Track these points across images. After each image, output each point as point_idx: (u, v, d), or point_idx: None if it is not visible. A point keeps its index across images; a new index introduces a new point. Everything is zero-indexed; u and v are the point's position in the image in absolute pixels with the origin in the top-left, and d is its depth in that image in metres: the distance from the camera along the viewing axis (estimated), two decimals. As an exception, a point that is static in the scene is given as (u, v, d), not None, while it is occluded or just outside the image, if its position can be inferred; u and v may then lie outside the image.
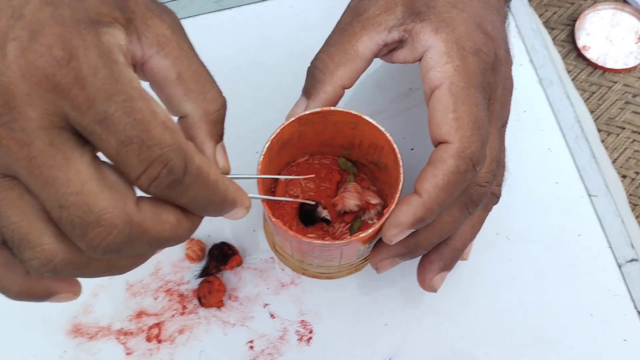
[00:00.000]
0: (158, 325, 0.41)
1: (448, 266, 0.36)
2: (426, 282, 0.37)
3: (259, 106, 0.48)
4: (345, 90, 0.36)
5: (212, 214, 0.27)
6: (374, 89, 0.49)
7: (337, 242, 0.32)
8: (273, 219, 0.32)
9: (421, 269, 0.37)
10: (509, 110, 0.36)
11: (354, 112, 0.34)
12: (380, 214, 0.40)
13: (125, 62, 0.24)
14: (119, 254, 0.24)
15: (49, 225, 0.24)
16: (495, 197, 0.37)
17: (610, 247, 0.44)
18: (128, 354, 0.41)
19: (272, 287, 0.42)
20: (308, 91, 0.35)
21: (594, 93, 1.04)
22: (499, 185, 0.36)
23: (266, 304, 0.42)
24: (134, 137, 0.22)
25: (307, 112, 0.34)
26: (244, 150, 0.46)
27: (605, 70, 1.08)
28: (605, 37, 1.11)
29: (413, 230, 0.32)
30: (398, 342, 0.41)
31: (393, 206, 0.32)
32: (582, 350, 0.41)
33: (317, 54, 0.36)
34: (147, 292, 0.42)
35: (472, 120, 0.31)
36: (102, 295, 0.42)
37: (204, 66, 0.30)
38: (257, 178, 0.33)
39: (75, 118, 0.23)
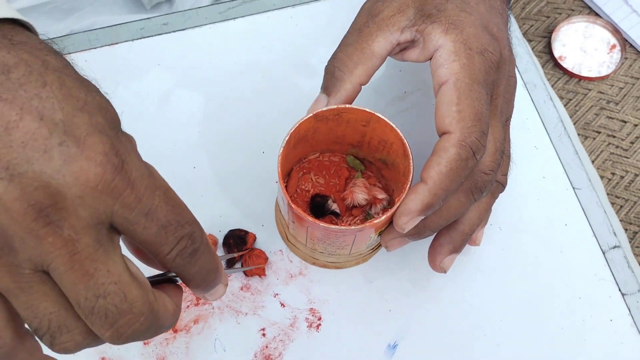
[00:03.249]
0: (174, 316, 0.43)
1: (457, 249, 0.39)
2: (437, 263, 0.39)
3: (262, 109, 0.50)
4: None
5: (206, 285, 0.30)
6: (371, 93, 0.52)
7: (352, 227, 0.35)
8: (293, 206, 0.34)
9: (432, 252, 0.40)
10: (513, 105, 0.39)
11: (367, 109, 0.37)
12: (385, 209, 0.43)
13: None
14: (134, 340, 0.26)
15: (73, 312, 0.26)
16: (501, 186, 0.40)
17: (595, 235, 0.48)
18: (145, 343, 0.42)
19: (281, 278, 0.45)
20: (328, 88, 0.38)
21: (570, 100, 1.10)
22: (504, 174, 0.39)
23: (276, 294, 0.44)
24: (172, 220, 0.26)
25: (324, 109, 0.36)
26: (250, 150, 0.49)
27: (580, 78, 1.13)
28: (580, 47, 1.16)
29: (423, 217, 0.35)
30: (402, 327, 0.44)
31: (404, 195, 0.35)
32: (572, 330, 0.44)
33: (335, 53, 0.38)
34: (162, 285, 0.44)
35: (473, 113, 0.34)
36: (119, 289, 0.44)
37: None
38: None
39: (123, 214, 0.25)
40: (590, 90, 1.12)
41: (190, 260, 0.28)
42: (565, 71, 1.14)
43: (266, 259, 0.44)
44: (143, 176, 0.26)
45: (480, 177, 0.36)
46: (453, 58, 0.35)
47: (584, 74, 1.14)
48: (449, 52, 0.35)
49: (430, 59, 0.36)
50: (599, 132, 1.07)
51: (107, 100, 0.27)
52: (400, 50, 0.39)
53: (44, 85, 0.25)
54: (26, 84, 0.24)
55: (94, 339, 0.27)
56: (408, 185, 0.36)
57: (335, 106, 0.37)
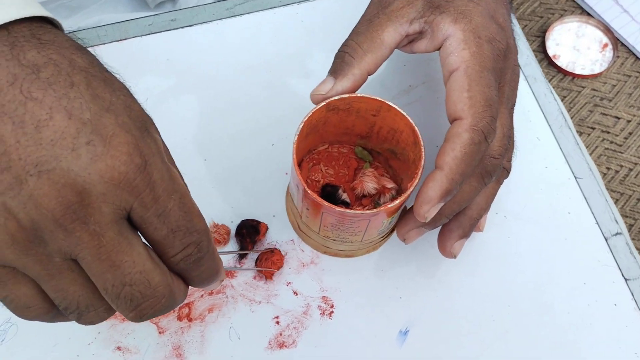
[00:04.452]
0: (188, 305, 0.44)
1: (466, 234, 0.40)
2: (447, 249, 0.40)
3: (271, 103, 0.51)
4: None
5: (205, 284, 0.31)
6: (377, 86, 0.53)
7: (367, 211, 0.35)
8: (309, 191, 0.35)
9: (442, 237, 0.41)
10: (516, 94, 0.41)
11: (378, 98, 0.38)
12: (394, 198, 0.44)
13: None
14: (153, 317, 0.28)
15: (99, 294, 0.28)
16: (506, 172, 0.41)
17: (597, 223, 0.49)
18: (161, 332, 0.43)
19: (293, 267, 0.45)
20: (336, 71, 0.38)
21: (565, 97, 1.12)
22: (509, 160, 0.41)
23: (289, 283, 0.45)
24: (182, 226, 0.27)
25: (335, 98, 0.37)
26: (259, 143, 0.49)
27: (574, 76, 1.16)
28: (573, 46, 1.18)
29: (442, 203, 0.36)
30: (413, 314, 0.45)
31: (417, 181, 0.36)
32: (578, 315, 0.46)
33: (346, 41, 0.39)
34: (176, 276, 0.45)
35: (484, 99, 0.35)
36: (133, 280, 0.44)
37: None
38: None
39: (139, 212, 0.26)
40: (584, 87, 1.14)
41: (193, 266, 0.29)
42: (559, 69, 1.17)
43: (280, 267, 0.45)
44: (163, 179, 0.27)
45: (490, 162, 0.37)
46: (463, 46, 0.36)
47: (578, 71, 1.16)
48: (459, 41, 0.36)
49: (439, 48, 0.38)
50: (594, 128, 1.09)
51: (133, 98, 0.28)
52: (408, 42, 0.40)
53: (72, 86, 0.26)
54: (55, 83, 0.25)
55: (108, 316, 0.29)
56: (420, 172, 0.37)
57: (347, 95, 0.38)
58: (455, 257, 0.41)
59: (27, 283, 0.27)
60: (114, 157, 0.25)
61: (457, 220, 0.40)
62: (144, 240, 0.28)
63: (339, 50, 0.39)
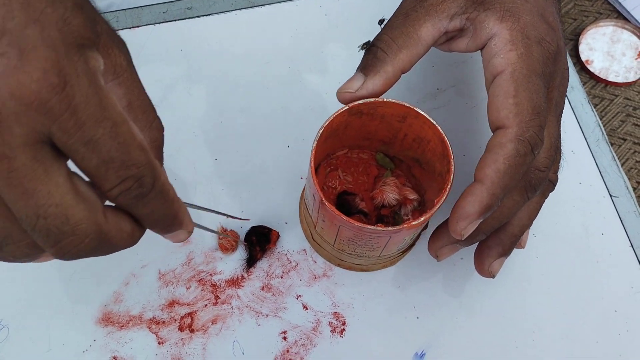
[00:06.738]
0: (190, 314, 0.41)
1: (506, 252, 0.37)
2: (485, 267, 0.37)
3: (288, 101, 0.48)
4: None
5: (160, 229, 0.28)
6: (403, 89, 0.50)
7: (388, 228, 0.32)
8: (327, 204, 0.32)
9: (479, 255, 0.37)
10: (565, 100, 0.37)
11: (405, 104, 0.35)
12: (416, 210, 0.41)
13: (105, 86, 0.25)
14: (83, 257, 0.26)
15: (21, 226, 0.25)
16: (552, 185, 0.37)
17: (632, 246, 0.46)
18: (160, 343, 0.40)
19: (304, 279, 0.43)
20: (367, 68, 0.35)
21: (596, 105, 1.07)
22: (556, 172, 0.37)
23: (299, 295, 0.42)
24: (116, 158, 0.24)
25: (359, 102, 0.34)
26: (273, 143, 0.47)
27: (607, 83, 1.11)
28: (607, 52, 1.14)
29: (481, 220, 0.32)
30: (431, 336, 0.42)
31: (444, 197, 0.33)
32: (607, 345, 0.42)
33: (379, 35, 0.36)
34: (179, 282, 0.42)
35: (531, 106, 0.32)
36: (133, 284, 0.42)
37: (149, 98, 0.31)
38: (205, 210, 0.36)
39: (60, 138, 0.24)
40: (616, 96, 1.10)
41: (137, 204, 0.26)
42: (591, 75, 1.12)
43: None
44: (89, 103, 0.24)
45: (535, 175, 0.34)
46: (509, 47, 0.32)
47: (611, 79, 1.11)
48: (505, 41, 0.33)
49: (482, 48, 0.34)
50: (625, 140, 1.05)
51: (78, 12, 0.25)
52: (447, 39, 0.36)
53: None
54: None
55: (35, 254, 0.26)
56: (448, 187, 0.33)
57: (372, 99, 0.35)
58: (493, 276, 0.38)
59: None
60: (26, 73, 0.22)
61: (497, 237, 0.36)
62: (82, 175, 0.25)
63: (370, 45, 0.36)
